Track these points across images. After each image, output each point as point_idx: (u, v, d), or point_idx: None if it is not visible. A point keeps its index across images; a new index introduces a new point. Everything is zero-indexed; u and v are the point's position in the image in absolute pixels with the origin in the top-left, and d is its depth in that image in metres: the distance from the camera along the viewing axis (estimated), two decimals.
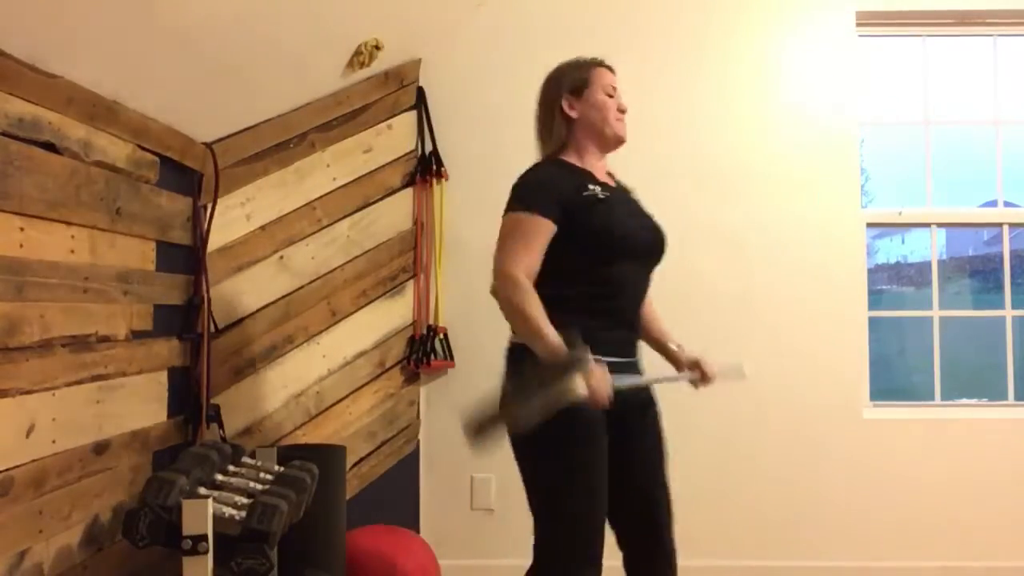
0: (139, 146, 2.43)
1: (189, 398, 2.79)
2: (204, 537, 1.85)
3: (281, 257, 2.99)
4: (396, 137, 3.09)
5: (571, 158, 2.01)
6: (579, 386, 1.67)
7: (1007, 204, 3.23)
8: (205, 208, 2.85)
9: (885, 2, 3.16)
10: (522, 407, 1.69)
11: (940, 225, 3.23)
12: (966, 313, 3.55)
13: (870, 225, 3.16)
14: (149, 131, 2.47)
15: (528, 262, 1.84)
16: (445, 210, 3.07)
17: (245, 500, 2.00)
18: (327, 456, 2.61)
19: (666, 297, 3.06)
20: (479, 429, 1.73)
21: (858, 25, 3.15)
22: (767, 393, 3.05)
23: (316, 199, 3.02)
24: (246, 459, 2.36)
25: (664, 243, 2.07)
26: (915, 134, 3.27)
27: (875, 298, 3.30)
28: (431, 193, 3.07)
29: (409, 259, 3.09)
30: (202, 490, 2.02)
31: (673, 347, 2.18)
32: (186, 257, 2.80)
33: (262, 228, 2.97)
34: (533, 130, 2.10)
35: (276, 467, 2.31)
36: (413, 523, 3.03)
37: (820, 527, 3.03)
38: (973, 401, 3.24)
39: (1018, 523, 3.01)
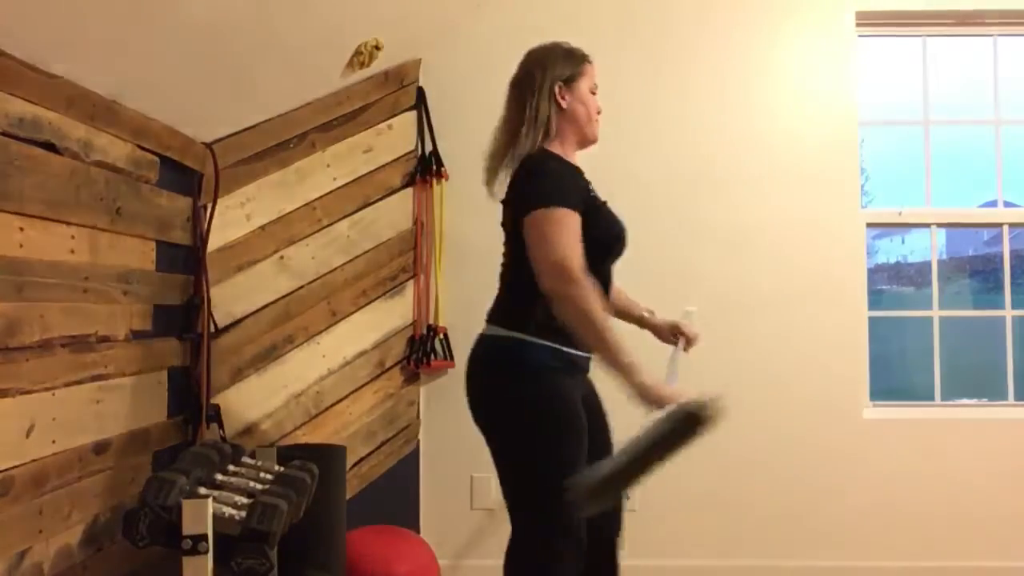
0: (139, 146, 2.43)
1: (189, 398, 2.79)
2: (204, 537, 1.85)
3: (281, 257, 2.99)
4: (396, 137, 3.09)
5: (557, 150, 1.96)
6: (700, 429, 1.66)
7: (1007, 204, 3.23)
8: (205, 208, 2.85)
9: (885, 2, 3.16)
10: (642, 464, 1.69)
11: (940, 225, 3.23)
12: (966, 313, 3.55)
13: (870, 225, 3.16)
14: (149, 131, 2.47)
15: (582, 259, 1.79)
16: (445, 210, 3.07)
17: (245, 500, 2.00)
18: (327, 456, 2.61)
19: (666, 297, 3.07)
20: (602, 492, 1.70)
21: (858, 25, 3.15)
22: (767, 393, 3.05)
23: (316, 199, 3.02)
24: (246, 459, 2.36)
25: None
26: (915, 134, 3.27)
27: (875, 298, 3.30)
28: (431, 193, 3.07)
29: (409, 259, 3.09)
30: (202, 490, 2.02)
31: (646, 314, 2.25)
32: (186, 257, 2.80)
33: (262, 228, 2.97)
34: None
35: (276, 467, 2.31)
36: (413, 523, 3.03)
37: (820, 527, 3.03)
38: (973, 401, 3.24)
39: (1018, 523, 3.01)
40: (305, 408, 3.00)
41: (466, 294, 3.03)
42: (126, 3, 1.95)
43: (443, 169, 3.06)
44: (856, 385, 3.09)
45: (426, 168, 3.07)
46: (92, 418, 2.21)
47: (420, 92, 3.10)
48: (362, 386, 3.05)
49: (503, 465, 1.93)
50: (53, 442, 2.04)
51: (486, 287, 2.02)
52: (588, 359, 1.99)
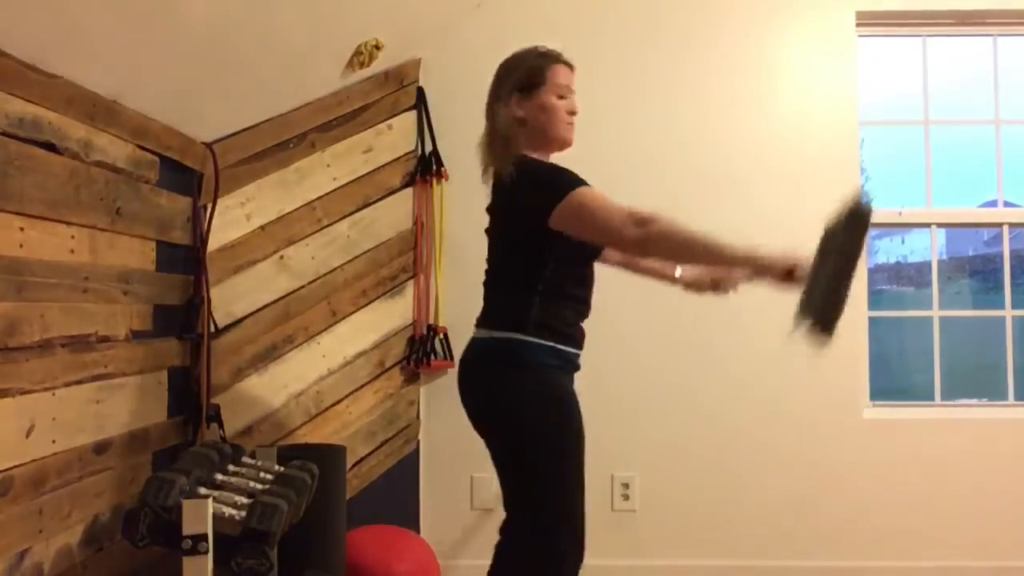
0: (139, 146, 2.43)
1: (189, 398, 2.79)
2: (204, 537, 1.85)
3: (281, 257, 2.99)
4: (396, 137, 3.09)
5: (533, 156, 1.98)
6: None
7: (1007, 204, 3.23)
8: (205, 208, 2.84)
9: (885, 2, 3.16)
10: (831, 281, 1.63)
11: (940, 225, 3.23)
12: (966, 313, 3.55)
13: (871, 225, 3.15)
14: (149, 131, 2.47)
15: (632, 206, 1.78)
16: (445, 210, 3.07)
17: (245, 500, 2.00)
18: (327, 456, 2.61)
19: (666, 297, 3.07)
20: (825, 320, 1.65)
21: (858, 25, 3.15)
22: (767, 393, 3.06)
23: (316, 199, 3.02)
24: (246, 459, 2.36)
25: None
26: (915, 134, 3.27)
27: (875, 298, 3.30)
28: (431, 193, 3.07)
29: (409, 259, 3.09)
30: (202, 490, 2.02)
31: (678, 273, 2.25)
32: (186, 257, 2.80)
33: (262, 228, 2.97)
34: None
35: (276, 467, 2.31)
36: (413, 523, 3.03)
37: (820, 527, 3.03)
38: (973, 401, 3.24)
39: (1018, 523, 3.01)
40: (305, 408, 3.00)
41: (466, 294, 3.00)
42: (126, 3, 1.95)
43: (443, 169, 3.06)
44: (856, 385, 3.09)
45: (426, 168, 3.07)
46: (92, 418, 2.21)
47: (420, 92, 3.10)
48: (362, 386, 3.05)
49: (506, 465, 1.94)
50: (53, 442, 2.03)
51: None
52: (579, 355, 2.01)
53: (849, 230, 1.64)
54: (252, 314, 2.95)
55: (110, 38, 2.02)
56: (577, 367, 2.03)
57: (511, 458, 1.93)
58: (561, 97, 2.00)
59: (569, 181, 1.86)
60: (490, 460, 1.98)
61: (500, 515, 1.98)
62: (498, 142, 1.99)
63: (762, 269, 1.74)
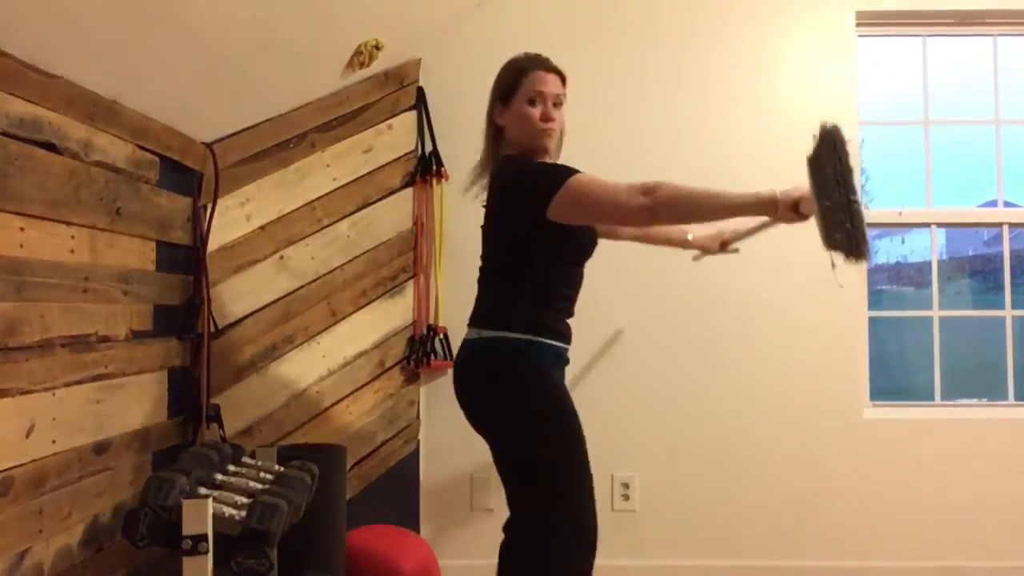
0: (139, 146, 2.43)
1: (189, 398, 2.79)
2: (204, 537, 1.85)
3: (281, 257, 2.99)
4: (396, 137, 3.09)
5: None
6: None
7: (1007, 204, 3.23)
8: (205, 208, 2.85)
9: (885, 2, 3.16)
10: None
11: (940, 225, 3.23)
12: (966, 313, 3.55)
13: (870, 225, 3.13)
14: (149, 131, 2.47)
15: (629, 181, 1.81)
16: (445, 210, 3.07)
17: (245, 500, 2.00)
18: (327, 456, 2.61)
19: (667, 297, 3.08)
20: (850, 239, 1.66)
21: (858, 25, 3.15)
22: (767, 393, 3.06)
23: (316, 199, 3.03)
24: (246, 459, 2.36)
25: None
26: (915, 134, 3.27)
27: (875, 298, 3.30)
28: (431, 193, 3.07)
29: (409, 259, 3.09)
30: (202, 490, 2.02)
31: (689, 237, 2.38)
32: (186, 257, 2.80)
33: (262, 228, 2.97)
34: None
35: (276, 467, 2.31)
36: (413, 523, 3.03)
37: (820, 527, 3.03)
38: (973, 401, 3.24)
39: (1018, 523, 3.01)
40: (305, 408, 3.00)
41: (466, 294, 2.99)
42: (126, 3, 1.95)
43: (443, 169, 3.06)
44: (856, 385, 3.09)
45: (426, 168, 3.07)
46: (92, 418, 2.21)
47: (420, 92, 3.10)
48: (362, 386, 3.05)
49: (507, 463, 1.94)
50: (53, 442, 2.04)
51: None
52: (567, 350, 2.03)
53: (827, 149, 1.68)
54: (252, 314, 2.96)
55: (110, 38, 2.02)
56: (566, 361, 2.05)
57: (512, 455, 1.93)
58: (532, 102, 1.99)
59: (561, 171, 1.88)
60: (491, 460, 1.98)
61: (500, 515, 1.98)
62: (487, 149, 2.07)
63: (769, 209, 1.75)
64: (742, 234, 2.21)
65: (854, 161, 1.69)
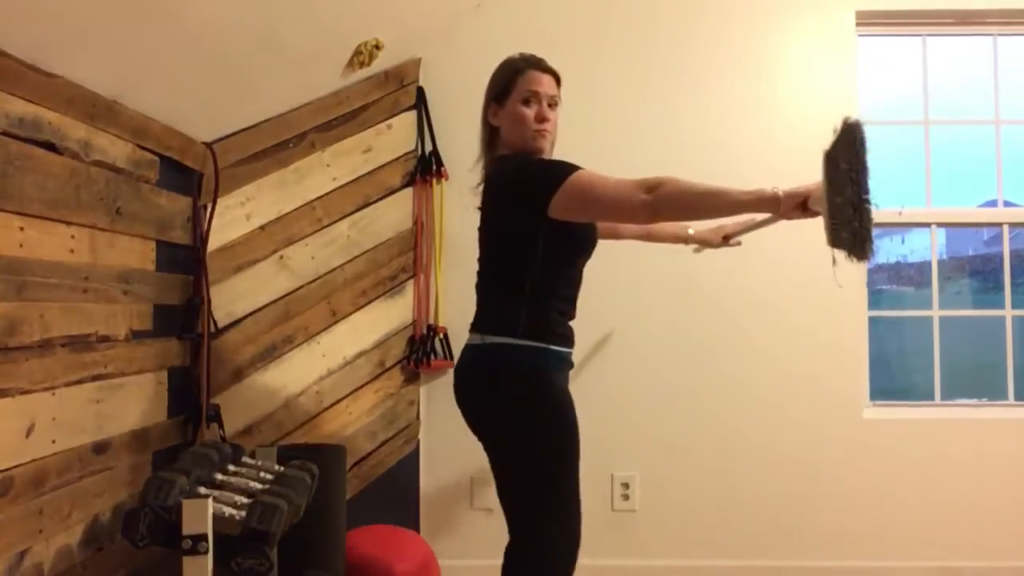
0: (139, 146, 2.43)
1: (189, 398, 2.79)
2: (204, 537, 1.85)
3: (281, 257, 2.99)
4: (396, 137, 3.09)
5: None
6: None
7: (1007, 204, 3.23)
8: (205, 208, 2.85)
9: (885, 2, 3.16)
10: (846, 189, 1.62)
11: (940, 225, 3.23)
12: (966, 313, 3.55)
13: (873, 220, 3.15)
14: (149, 131, 2.47)
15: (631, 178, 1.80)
16: (445, 210, 3.07)
17: (245, 500, 2.00)
18: (327, 456, 2.61)
19: (668, 297, 3.08)
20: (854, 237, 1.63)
21: (858, 25, 3.15)
22: (767, 393, 3.06)
23: (316, 199, 3.03)
24: (246, 459, 2.36)
25: None
26: (915, 134, 3.27)
27: (875, 298, 3.30)
28: (431, 193, 3.07)
29: (409, 259, 3.09)
30: (202, 490, 2.02)
31: (691, 232, 2.39)
32: (186, 257, 2.80)
33: (262, 228, 2.98)
34: None
35: (276, 467, 2.31)
36: (413, 523, 3.03)
37: (820, 527, 3.03)
38: (973, 401, 3.23)
39: (1018, 523, 3.01)
40: (305, 408, 3.00)
41: (466, 294, 3.00)
42: (126, 3, 1.95)
43: (443, 169, 3.06)
44: (856, 385, 3.09)
45: (426, 168, 3.07)
46: (92, 418, 2.21)
47: (420, 92, 3.10)
48: (362, 386, 3.05)
49: (504, 469, 1.93)
50: (53, 442, 2.04)
51: None
52: (571, 353, 2.01)
53: (846, 145, 1.64)
54: (252, 314, 2.96)
55: (110, 38, 2.02)
56: (571, 365, 2.03)
57: (509, 464, 1.92)
58: (526, 102, 1.98)
59: (563, 167, 1.86)
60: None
61: (500, 515, 1.98)
62: (485, 149, 2.05)
63: (771, 207, 1.72)
64: (745, 228, 2.20)
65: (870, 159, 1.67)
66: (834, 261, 1.65)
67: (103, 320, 2.26)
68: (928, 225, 3.23)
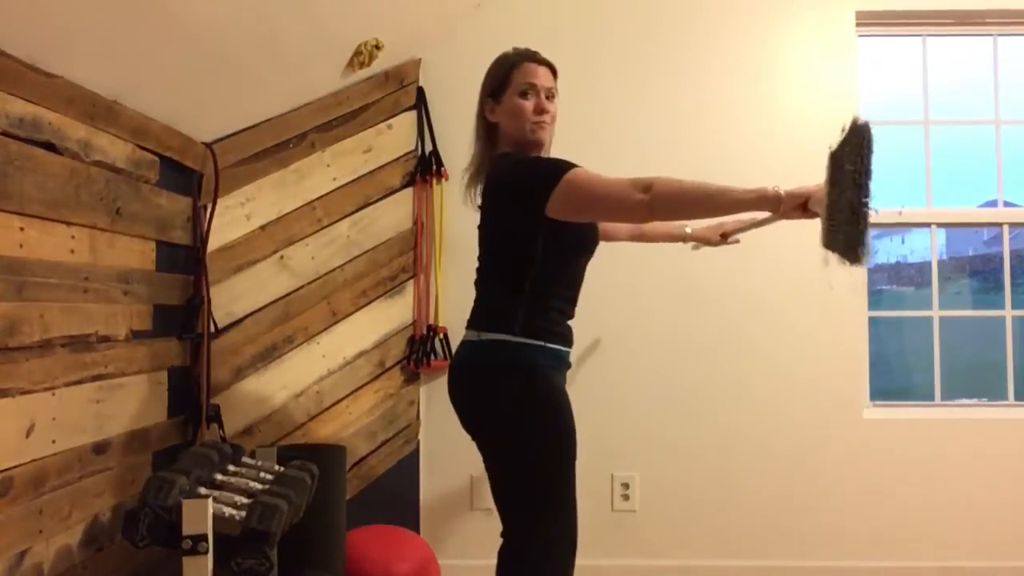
0: (139, 146, 2.43)
1: (189, 398, 2.79)
2: (204, 537, 1.85)
3: (281, 257, 2.99)
4: (396, 137, 3.09)
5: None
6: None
7: (1007, 204, 3.23)
8: (205, 208, 2.85)
9: (885, 2, 3.16)
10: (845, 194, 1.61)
11: (940, 225, 3.23)
12: (966, 313, 3.55)
13: (871, 226, 3.15)
14: (149, 131, 2.47)
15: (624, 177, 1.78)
16: (445, 210, 3.07)
17: (245, 500, 2.00)
18: (327, 456, 2.61)
19: (668, 297, 3.08)
20: (849, 243, 1.61)
21: (858, 25, 3.15)
22: (767, 393, 3.06)
23: (316, 199, 3.03)
24: (246, 459, 2.36)
25: None
26: (915, 134, 3.27)
27: (875, 298, 3.30)
28: (431, 193, 3.07)
29: (409, 259, 3.09)
30: (202, 490, 2.02)
31: (688, 230, 2.37)
32: (186, 257, 2.80)
33: (262, 228, 2.98)
34: None
35: (276, 467, 2.31)
36: (413, 523, 3.03)
37: (820, 527, 3.03)
38: (973, 401, 3.23)
39: (1018, 523, 3.01)
40: (305, 408, 3.00)
41: (466, 294, 2.99)
42: (126, 3, 1.95)
43: (443, 169, 3.06)
44: (856, 385, 3.09)
45: (426, 168, 3.07)
46: (92, 418, 2.21)
47: (420, 92, 3.10)
48: (362, 386, 3.05)
49: (501, 468, 1.93)
50: (53, 442, 2.04)
51: None
52: (569, 353, 2.00)
53: (853, 146, 1.63)
54: (252, 314, 2.96)
55: (110, 38, 2.02)
56: (568, 364, 2.02)
57: (507, 465, 1.91)
58: (524, 95, 1.96)
59: (559, 166, 1.84)
60: None
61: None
62: (482, 146, 2.03)
63: (771, 206, 1.71)
64: (744, 226, 2.19)
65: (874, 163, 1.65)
66: (826, 262, 1.64)
67: (103, 320, 2.26)
68: (928, 225, 3.23)
